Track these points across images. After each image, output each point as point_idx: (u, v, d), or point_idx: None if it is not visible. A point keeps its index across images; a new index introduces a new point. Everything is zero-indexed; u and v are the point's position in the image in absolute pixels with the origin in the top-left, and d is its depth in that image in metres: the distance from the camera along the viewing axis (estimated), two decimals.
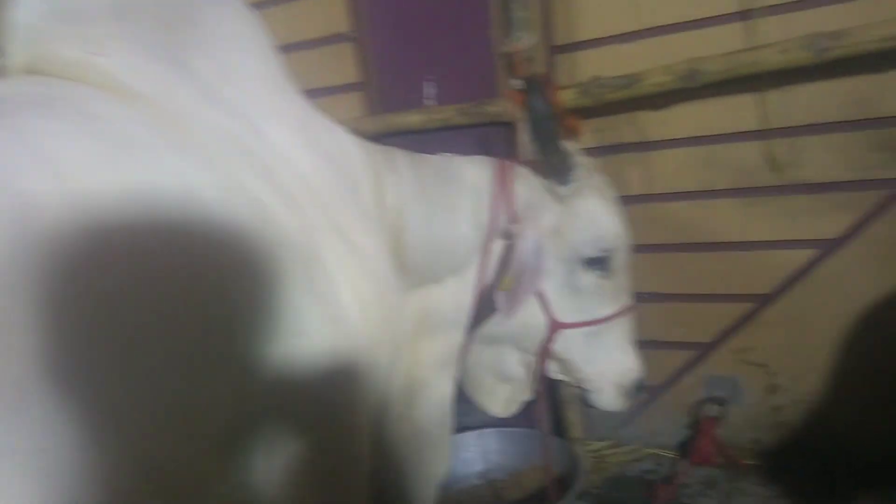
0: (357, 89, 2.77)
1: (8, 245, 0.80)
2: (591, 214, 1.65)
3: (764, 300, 2.49)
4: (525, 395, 1.86)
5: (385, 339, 1.31)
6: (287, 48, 2.69)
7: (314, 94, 2.77)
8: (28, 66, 1.08)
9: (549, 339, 1.69)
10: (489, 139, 2.36)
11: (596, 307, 1.70)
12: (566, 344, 1.71)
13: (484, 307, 1.68)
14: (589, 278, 1.67)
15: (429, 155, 1.65)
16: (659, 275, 2.60)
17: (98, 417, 0.83)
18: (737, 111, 2.30)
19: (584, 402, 1.83)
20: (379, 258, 1.33)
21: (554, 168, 1.60)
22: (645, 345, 2.68)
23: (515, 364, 1.81)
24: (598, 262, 1.66)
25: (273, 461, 1.07)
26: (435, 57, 2.53)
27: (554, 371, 1.80)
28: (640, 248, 2.54)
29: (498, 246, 1.63)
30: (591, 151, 2.49)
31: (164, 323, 0.91)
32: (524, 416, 2.22)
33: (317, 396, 1.13)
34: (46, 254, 0.82)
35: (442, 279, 1.62)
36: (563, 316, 1.67)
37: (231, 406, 1.00)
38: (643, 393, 1.83)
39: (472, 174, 1.63)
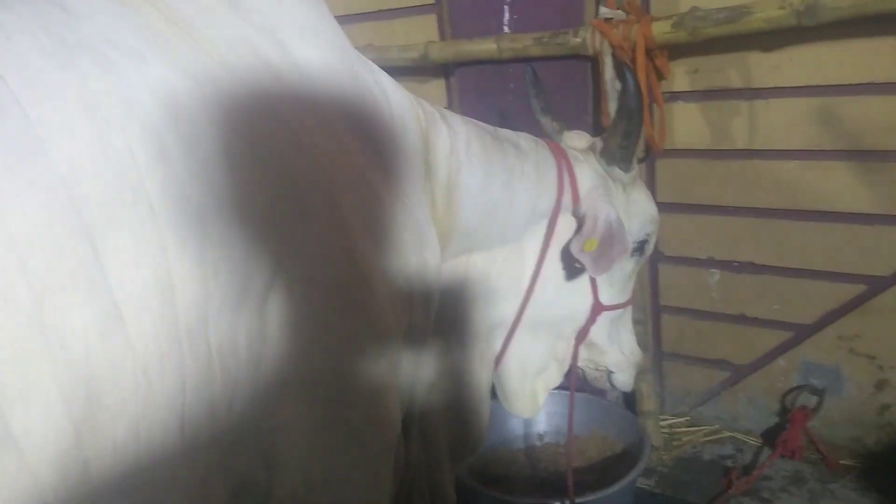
0: (430, 11, 2.65)
1: None
2: (643, 201, 1.73)
3: (879, 284, 2.28)
4: (556, 382, 1.86)
5: (419, 295, 1.25)
6: None
7: (385, 14, 2.72)
8: None
9: (591, 321, 1.72)
10: (568, 74, 2.16)
11: (625, 291, 1.79)
12: (599, 327, 1.76)
13: (545, 283, 1.65)
14: (630, 262, 1.75)
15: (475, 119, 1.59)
16: (757, 243, 2.43)
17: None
18: (865, 58, 2.04)
19: (606, 385, 1.88)
20: (418, 209, 1.26)
21: (625, 155, 1.63)
22: (733, 319, 2.50)
23: (549, 351, 1.80)
24: (640, 247, 1.76)
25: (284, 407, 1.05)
26: None
27: (581, 357, 1.82)
28: (737, 211, 2.36)
29: (564, 220, 1.61)
30: (686, 96, 2.28)
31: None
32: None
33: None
34: None
35: (491, 248, 1.57)
36: (604, 299, 1.72)
37: None
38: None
39: (528, 146, 1.59)
